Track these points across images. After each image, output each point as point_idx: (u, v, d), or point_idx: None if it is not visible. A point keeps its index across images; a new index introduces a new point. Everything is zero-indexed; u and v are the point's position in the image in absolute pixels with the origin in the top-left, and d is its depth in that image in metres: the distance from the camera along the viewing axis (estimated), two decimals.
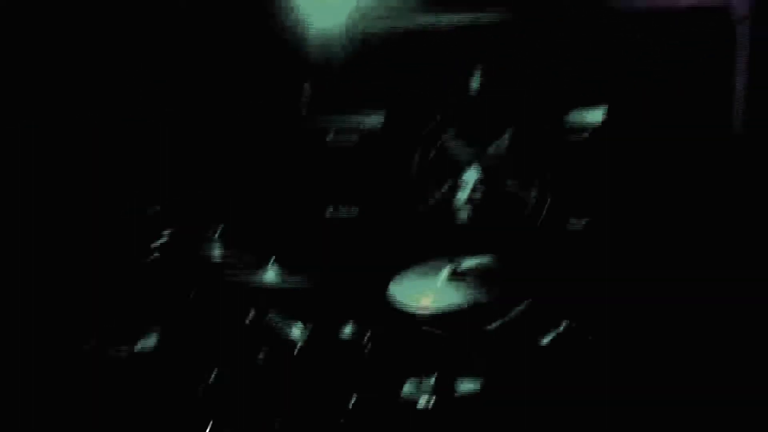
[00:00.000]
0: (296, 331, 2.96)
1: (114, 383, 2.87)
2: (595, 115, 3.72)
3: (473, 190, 3.30)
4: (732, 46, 3.39)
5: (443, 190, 3.93)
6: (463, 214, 3.31)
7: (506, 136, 3.87)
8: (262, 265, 2.91)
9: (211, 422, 2.71)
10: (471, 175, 3.32)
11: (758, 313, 3.25)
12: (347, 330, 2.85)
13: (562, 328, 2.94)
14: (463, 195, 3.32)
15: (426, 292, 2.79)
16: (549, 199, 3.81)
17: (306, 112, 4.12)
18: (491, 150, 3.89)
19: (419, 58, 3.95)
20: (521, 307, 3.11)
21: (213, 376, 2.81)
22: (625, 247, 3.61)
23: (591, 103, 3.71)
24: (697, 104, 3.50)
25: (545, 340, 2.87)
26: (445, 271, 2.84)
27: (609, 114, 3.67)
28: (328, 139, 4.07)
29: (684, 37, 3.51)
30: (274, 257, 2.89)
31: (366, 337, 2.82)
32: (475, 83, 3.93)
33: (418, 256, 3.30)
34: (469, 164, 3.51)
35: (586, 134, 3.73)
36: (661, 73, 3.56)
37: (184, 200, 3.81)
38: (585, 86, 3.71)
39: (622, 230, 3.64)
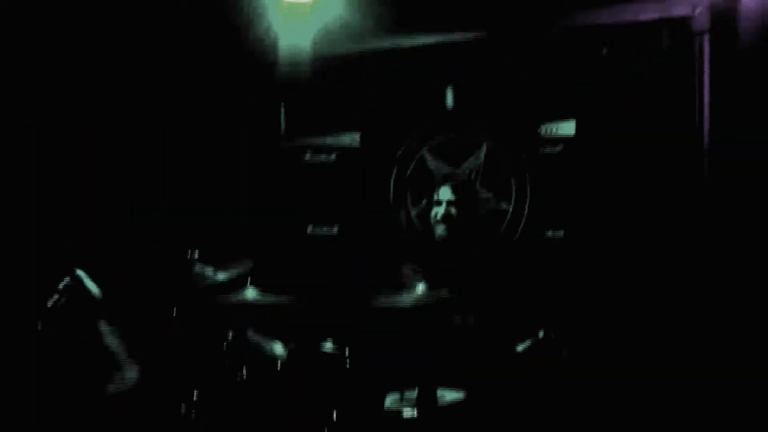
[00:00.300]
0: (277, 348, 2.98)
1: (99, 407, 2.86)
2: (567, 128, 3.80)
3: (448, 205, 3.34)
4: (693, 57, 3.48)
5: (421, 207, 3.99)
6: (440, 231, 3.36)
7: (482, 150, 3.94)
8: (242, 283, 2.92)
9: None
10: (445, 193, 3.37)
11: (738, 317, 3.31)
12: (328, 345, 2.87)
13: (539, 337, 2.97)
14: (438, 211, 3.36)
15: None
16: (526, 212, 3.88)
17: (283, 132, 4.17)
18: (467, 165, 3.96)
19: (393, 77, 4.02)
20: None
21: (195, 395, 2.82)
22: (601, 258, 3.67)
23: (562, 116, 3.79)
24: (663, 114, 3.58)
25: (521, 347, 2.90)
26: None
27: (580, 126, 3.75)
28: (306, 159, 4.12)
29: (647, 49, 3.61)
30: (252, 276, 2.90)
31: (346, 352, 2.84)
32: (449, 100, 4.01)
33: (396, 272, 3.35)
34: (444, 181, 3.56)
35: (559, 147, 3.81)
36: (626, 85, 3.65)
37: (164, 220, 3.83)
38: (555, 100, 3.79)
39: (598, 241, 3.70)
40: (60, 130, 3.61)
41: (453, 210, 3.33)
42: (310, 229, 4.10)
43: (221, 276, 2.99)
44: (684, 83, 3.51)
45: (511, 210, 3.91)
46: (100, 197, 3.72)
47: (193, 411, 2.78)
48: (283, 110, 4.18)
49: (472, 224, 3.38)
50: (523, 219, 3.89)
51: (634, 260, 3.60)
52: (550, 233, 3.82)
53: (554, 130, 3.82)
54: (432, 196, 3.44)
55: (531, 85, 3.83)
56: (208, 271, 2.95)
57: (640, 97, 3.62)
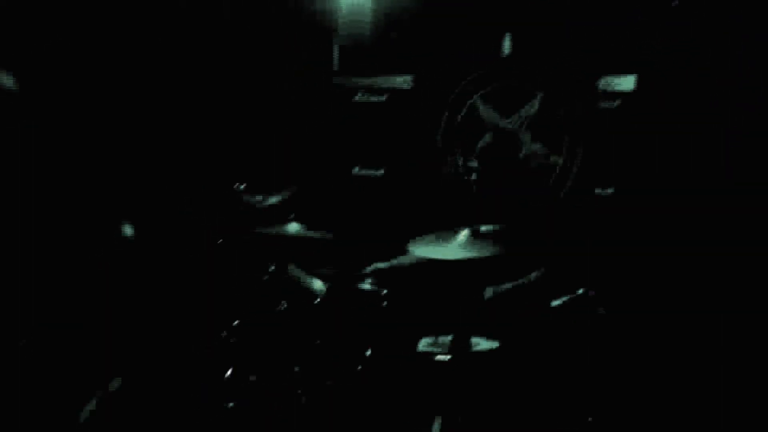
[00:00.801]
0: (317, 284, 3.02)
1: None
2: (626, 83, 3.68)
3: (484, 154, 3.26)
4: None
5: (469, 153, 3.93)
6: (476, 178, 3.29)
7: (536, 101, 3.85)
8: (286, 215, 2.95)
9: (231, 368, 2.80)
10: (485, 141, 3.29)
11: None
12: (366, 284, 2.90)
13: (577, 294, 2.95)
14: (476, 160, 3.29)
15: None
16: (576, 167, 3.80)
17: (336, 70, 4.13)
18: (520, 115, 3.88)
19: (450, 20, 3.93)
20: (536, 274, 3.12)
21: (235, 324, 2.89)
22: (649, 219, 3.60)
23: (622, 70, 3.67)
24: (730, 76, 3.43)
25: (556, 302, 2.88)
26: (464, 233, 2.86)
27: (640, 82, 3.62)
28: (356, 98, 4.09)
29: (720, 5, 3.43)
30: (296, 209, 2.93)
31: (384, 292, 2.87)
32: (506, 47, 3.91)
33: (439, 218, 3.33)
34: (492, 128, 3.48)
35: (616, 102, 3.70)
36: (694, 42, 3.49)
37: (213, 153, 3.87)
38: (617, 53, 3.66)
39: (648, 201, 3.62)
40: (108, 67, 3.64)
41: (488, 160, 3.24)
42: (356, 169, 4.10)
43: (269, 201, 3.00)
44: (756, 45, 3.35)
45: (561, 164, 3.84)
46: (152, 130, 3.78)
47: (233, 338, 2.85)
48: (336, 46, 4.13)
49: (510, 176, 3.30)
50: (573, 174, 3.81)
51: (682, 224, 3.52)
52: (599, 190, 3.75)
53: (613, 85, 3.70)
54: (473, 145, 3.38)
55: (592, 36, 3.70)
56: (256, 199, 2.97)
57: (706, 56, 3.47)
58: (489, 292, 3.11)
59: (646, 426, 2.99)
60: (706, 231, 3.47)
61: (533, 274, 3.15)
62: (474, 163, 3.24)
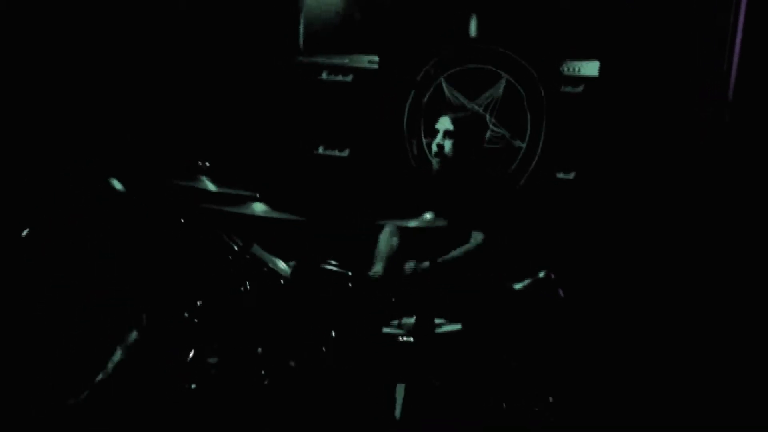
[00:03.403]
0: (281, 264, 3.00)
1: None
2: (590, 68, 3.72)
3: (444, 137, 3.19)
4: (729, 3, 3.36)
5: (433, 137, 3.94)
6: (435, 163, 3.24)
7: (500, 84, 3.87)
8: (250, 197, 2.92)
9: (193, 350, 2.77)
10: (444, 123, 3.21)
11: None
12: (331, 265, 2.89)
13: (538, 277, 2.99)
14: (435, 142, 3.22)
15: None
16: (539, 151, 3.84)
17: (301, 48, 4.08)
18: (484, 97, 3.89)
19: (417, 1, 3.90)
20: (471, 244, 3.11)
21: (198, 304, 2.86)
22: (610, 203, 3.66)
23: (586, 56, 3.70)
24: (691, 61, 3.50)
25: (519, 285, 2.92)
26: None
27: (603, 68, 3.66)
28: (322, 77, 4.05)
29: None
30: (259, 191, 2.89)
31: (349, 275, 2.87)
32: (472, 29, 3.91)
33: (403, 200, 3.33)
34: (448, 111, 3.41)
35: (580, 87, 3.73)
36: (656, 30, 3.54)
37: (175, 134, 3.80)
38: (581, 38, 3.69)
39: (609, 186, 3.67)
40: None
41: (449, 143, 3.19)
42: (321, 149, 4.07)
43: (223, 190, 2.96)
44: (715, 30, 3.41)
45: (524, 148, 3.87)
46: (117, 105, 3.70)
47: (196, 318, 2.82)
48: (302, 26, 4.08)
49: (471, 159, 3.24)
50: (536, 158, 3.85)
51: (641, 209, 3.59)
52: (561, 175, 3.80)
53: (577, 70, 3.74)
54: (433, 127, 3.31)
55: (557, 20, 3.72)
56: (210, 184, 2.92)
57: (669, 43, 3.52)
58: (410, 264, 3.08)
59: (603, 406, 3.07)
60: (666, 216, 3.55)
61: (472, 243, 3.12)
62: (442, 143, 3.17)
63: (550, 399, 2.80)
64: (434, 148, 3.21)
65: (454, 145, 3.16)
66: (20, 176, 3.20)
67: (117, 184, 2.92)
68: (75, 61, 3.65)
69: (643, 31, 3.57)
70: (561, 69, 3.74)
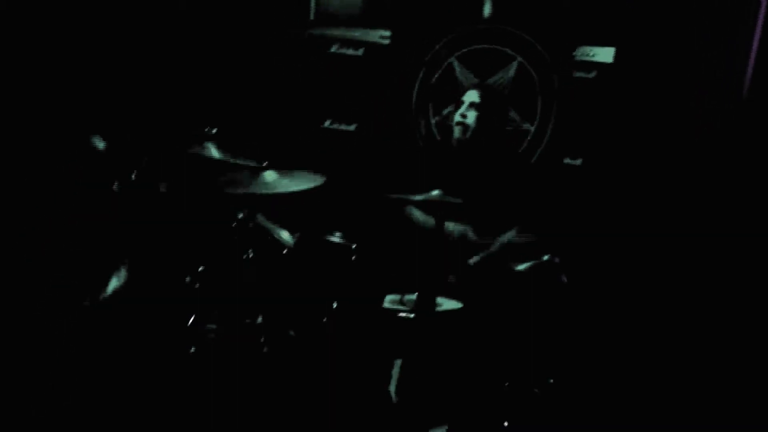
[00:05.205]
0: (285, 234, 2.99)
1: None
2: (604, 54, 3.68)
3: (470, 108, 3.26)
4: None
5: (442, 115, 3.92)
6: (457, 133, 3.30)
7: (512, 66, 3.84)
8: (258, 167, 2.90)
9: (193, 316, 2.76)
10: (472, 95, 3.30)
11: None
12: (336, 237, 2.88)
13: (542, 260, 2.98)
14: (460, 112, 3.29)
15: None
16: (547, 135, 3.81)
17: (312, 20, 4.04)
18: (496, 78, 3.86)
19: None
20: (503, 240, 3.13)
21: (200, 269, 2.85)
22: (616, 192, 3.64)
23: (601, 41, 3.67)
24: (707, 53, 3.46)
25: (521, 267, 2.91)
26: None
27: (619, 55, 3.63)
28: (332, 50, 4.01)
29: None
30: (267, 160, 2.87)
31: (354, 246, 2.85)
32: (486, 9, 3.87)
33: (409, 177, 3.31)
34: (473, 87, 3.46)
35: (593, 73, 3.70)
36: (677, 18, 3.50)
37: (184, 102, 3.77)
38: (597, 23, 3.65)
39: (616, 174, 3.66)
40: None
41: (474, 114, 3.26)
42: (327, 122, 4.04)
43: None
44: (734, 22, 3.38)
45: (533, 131, 3.84)
46: (125, 73, 3.66)
47: (197, 283, 2.81)
48: None
49: (492, 134, 3.31)
50: (544, 142, 3.83)
51: (649, 199, 3.58)
52: (568, 160, 3.78)
53: (591, 55, 3.70)
54: (459, 99, 3.37)
55: (573, 4, 3.68)
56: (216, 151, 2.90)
57: (688, 33, 3.49)
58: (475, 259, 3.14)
59: (601, 389, 3.07)
60: (672, 207, 3.54)
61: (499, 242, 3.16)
62: (466, 113, 3.26)
63: (551, 381, 2.80)
64: (457, 117, 3.27)
65: (478, 118, 3.22)
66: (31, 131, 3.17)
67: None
68: (88, 25, 3.60)
69: (661, 21, 3.54)
70: (574, 54, 3.71)
